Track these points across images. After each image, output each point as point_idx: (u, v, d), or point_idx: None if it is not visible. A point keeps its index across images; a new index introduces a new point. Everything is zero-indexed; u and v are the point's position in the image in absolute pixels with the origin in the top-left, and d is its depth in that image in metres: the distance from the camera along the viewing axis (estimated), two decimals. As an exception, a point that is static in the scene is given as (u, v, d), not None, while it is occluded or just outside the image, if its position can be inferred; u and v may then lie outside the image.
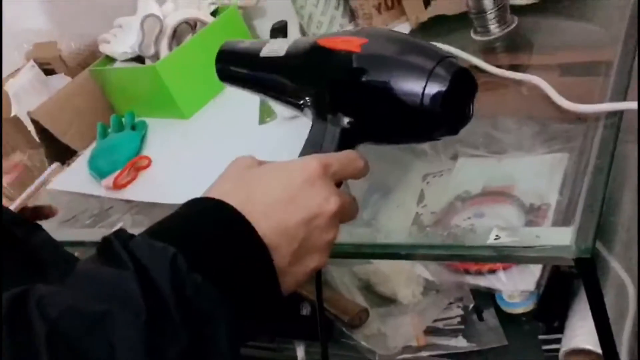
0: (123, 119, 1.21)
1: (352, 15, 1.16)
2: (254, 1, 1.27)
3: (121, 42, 1.24)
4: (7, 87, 1.40)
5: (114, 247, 0.38)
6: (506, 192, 0.73)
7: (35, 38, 1.61)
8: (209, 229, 0.41)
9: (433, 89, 0.46)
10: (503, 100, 0.85)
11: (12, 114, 1.33)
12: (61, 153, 1.29)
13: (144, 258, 0.37)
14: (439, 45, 0.91)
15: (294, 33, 1.22)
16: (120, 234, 0.39)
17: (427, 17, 1.03)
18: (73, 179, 1.17)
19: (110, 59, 1.31)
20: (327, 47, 0.53)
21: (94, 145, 1.21)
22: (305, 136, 0.76)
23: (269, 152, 0.90)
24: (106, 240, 0.39)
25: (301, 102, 0.55)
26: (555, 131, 0.73)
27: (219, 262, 0.39)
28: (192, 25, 1.24)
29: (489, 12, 0.89)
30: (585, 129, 0.69)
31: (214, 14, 1.25)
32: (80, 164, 1.19)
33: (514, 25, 0.92)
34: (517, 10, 0.94)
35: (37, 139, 1.32)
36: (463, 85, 0.48)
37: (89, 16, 1.52)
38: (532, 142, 0.75)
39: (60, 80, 1.42)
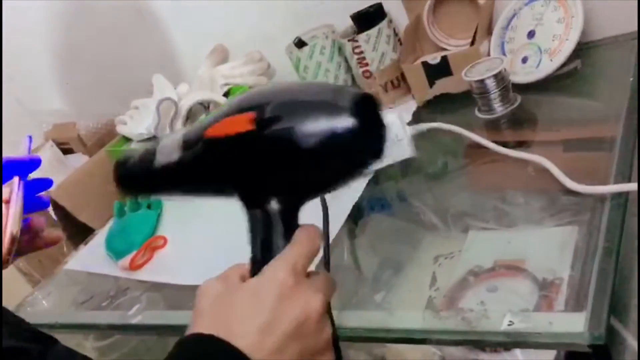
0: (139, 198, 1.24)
1: (359, 93, 1.19)
2: (265, 81, 1.31)
3: (137, 124, 1.29)
4: (27, 166, 1.44)
5: None
6: (518, 266, 0.73)
7: (54, 118, 1.66)
8: None
9: (345, 123, 0.43)
10: (510, 176, 0.87)
11: (31, 194, 1.36)
12: (79, 231, 1.31)
13: None
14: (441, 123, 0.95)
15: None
16: None
17: (432, 95, 1.07)
18: (90, 259, 1.19)
19: (127, 139, 1.35)
20: (218, 137, 0.48)
21: (110, 223, 1.23)
22: (318, 214, 0.78)
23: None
24: None
25: (222, 196, 0.52)
26: (563, 205, 0.74)
27: None
28: (205, 105, 1.28)
29: (492, 93, 0.92)
30: (593, 203, 0.70)
31: (226, 94, 1.30)
32: (97, 244, 1.21)
33: (517, 103, 0.95)
34: (520, 88, 0.97)
35: (54, 217, 1.35)
36: (369, 109, 0.45)
37: (107, 97, 1.58)
38: (540, 216, 0.76)
39: (78, 160, 1.47)
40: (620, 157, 0.74)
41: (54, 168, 1.46)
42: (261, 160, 0.46)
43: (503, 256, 0.75)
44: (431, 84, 1.06)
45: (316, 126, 0.44)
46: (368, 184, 0.95)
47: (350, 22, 1.18)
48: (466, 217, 0.82)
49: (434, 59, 1.05)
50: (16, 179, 0.69)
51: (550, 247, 0.71)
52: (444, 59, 1.03)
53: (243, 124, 0.46)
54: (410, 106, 1.11)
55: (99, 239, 1.22)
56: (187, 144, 0.50)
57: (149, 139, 1.30)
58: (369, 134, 0.45)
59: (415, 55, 1.13)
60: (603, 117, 0.86)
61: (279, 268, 0.45)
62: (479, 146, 0.90)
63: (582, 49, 0.99)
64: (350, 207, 0.91)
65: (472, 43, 1.04)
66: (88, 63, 1.62)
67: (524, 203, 0.80)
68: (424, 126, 0.97)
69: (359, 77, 1.15)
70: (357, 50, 1.12)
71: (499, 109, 0.94)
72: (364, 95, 0.45)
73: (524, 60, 0.99)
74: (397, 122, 0.90)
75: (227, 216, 1.09)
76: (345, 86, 0.45)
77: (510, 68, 0.99)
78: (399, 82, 1.13)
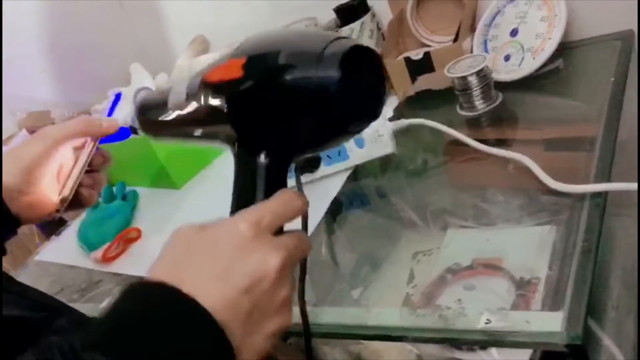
0: (114, 189, 1.21)
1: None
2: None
3: (114, 113, 1.26)
4: (-1, 154, 1.40)
5: None
6: (496, 265, 0.73)
7: (29, 106, 1.63)
8: (158, 330, 0.38)
9: (327, 73, 0.42)
10: (490, 174, 0.86)
11: (3, 183, 1.33)
12: (51, 222, 1.28)
13: None
14: (425, 119, 0.95)
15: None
16: (64, 348, 0.36)
17: (413, 91, 1.06)
18: (62, 250, 1.17)
19: (103, 129, 1.32)
20: (214, 82, 0.48)
21: (83, 215, 1.21)
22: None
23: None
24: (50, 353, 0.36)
25: (222, 143, 0.51)
26: (542, 204, 0.74)
27: None
28: (184, 96, 1.26)
29: (474, 90, 0.92)
30: (572, 202, 0.70)
31: (206, 85, 1.28)
32: (69, 235, 1.19)
33: (498, 101, 0.94)
34: (502, 86, 0.97)
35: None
36: (364, 63, 0.45)
37: (83, 86, 1.55)
38: (519, 214, 0.75)
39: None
40: (601, 156, 0.73)
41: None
42: (248, 107, 0.46)
43: (481, 254, 0.74)
44: (413, 79, 1.05)
45: (301, 76, 0.43)
46: (347, 179, 0.95)
47: (333, 15, 1.16)
48: (445, 215, 0.81)
49: (416, 54, 1.04)
50: (90, 142, 0.68)
51: (528, 246, 0.71)
52: (427, 55, 1.03)
53: (234, 69, 0.46)
54: (391, 102, 1.10)
55: (71, 230, 1.20)
56: (192, 89, 0.51)
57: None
58: (355, 89, 0.43)
59: (397, 51, 1.12)
60: (584, 117, 0.86)
61: (241, 219, 0.43)
62: (460, 143, 0.90)
63: (564, 49, 0.99)
64: (329, 202, 0.90)
65: (455, 40, 1.03)
66: (65, 51, 1.60)
67: (503, 201, 0.80)
68: (405, 122, 0.97)
69: (341, 71, 1.14)
70: (339, 44, 1.11)
71: (480, 106, 0.94)
72: (358, 47, 0.43)
73: (507, 58, 0.99)
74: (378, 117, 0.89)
75: (202, 210, 1.08)
76: (344, 37, 0.45)
77: (493, 66, 0.99)
78: (381, 78, 1.12)
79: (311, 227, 0.78)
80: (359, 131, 0.47)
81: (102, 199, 1.20)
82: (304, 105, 0.44)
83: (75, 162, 0.67)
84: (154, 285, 0.40)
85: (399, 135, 0.93)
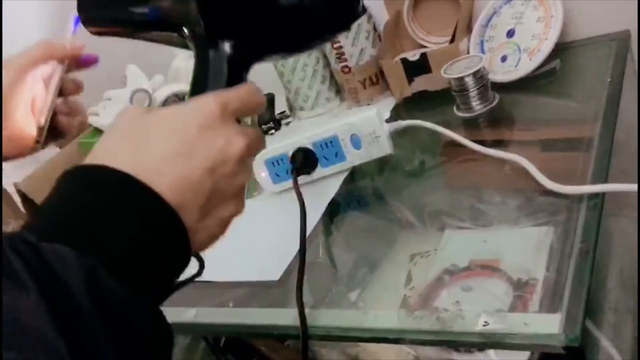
0: (110, 191, 1.21)
1: (337, 89, 1.19)
2: (242, 74, 1.29)
3: (110, 115, 1.26)
4: (-5, 157, 1.40)
5: (13, 264, 0.32)
6: (493, 266, 0.73)
7: (24, 108, 1.62)
8: (112, 215, 0.36)
9: None
10: (487, 175, 0.86)
11: (-1, 186, 1.32)
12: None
13: (53, 276, 0.32)
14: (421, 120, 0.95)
15: (281, 106, 1.24)
16: (17, 244, 0.33)
17: (410, 92, 1.06)
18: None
19: (99, 131, 1.32)
20: None
21: (80, 217, 1.20)
22: (294, 210, 0.77)
23: (257, 227, 0.91)
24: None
25: (179, 35, 0.49)
26: (539, 205, 0.74)
27: (133, 258, 0.36)
28: (180, 97, 1.26)
29: (471, 91, 0.92)
30: (569, 203, 0.70)
31: (202, 87, 1.27)
32: (65, 237, 1.18)
33: (495, 102, 0.94)
34: (498, 87, 0.97)
35: (22, 210, 1.31)
36: None
37: (79, 88, 1.54)
38: (516, 215, 0.75)
39: (49, 151, 1.43)
40: (597, 157, 0.74)
41: (23, 159, 1.42)
42: None
43: (479, 255, 0.74)
44: (410, 81, 1.05)
45: None
46: (344, 181, 0.94)
47: (329, 17, 1.16)
48: (443, 216, 0.81)
49: (413, 55, 1.04)
50: (57, 66, 0.66)
51: (525, 247, 0.71)
52: (423, 56, 1.03)
53: None
54: (388, 103, 1.10)
55: (67, 233, 1.19)
56: None
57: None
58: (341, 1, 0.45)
59: (394, 52, 1.12)
60: (580, 118, 0.86)
61: (210, 98, 0.42)
62: (457, 144, 0.89)
63: (561, 49, 0.99)
64: (326, 203, 0.90)
65: (452, 40, 1.03)
66: (60, 52, 1.59)
67: (500, 202, 0.80)
68: (402, 123, 0.97)
69: (338, 72, 1.14)
70: (336, 46, 1.10)
71: (477, 107, 0.94)
72: None
73: (503, 59, 0.99)
74: (375, 118, 0.89)
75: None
76: None
77: (490, 67, 0.99)
78: (378, 79, 1.12)
79: (309, 229, 0.78)
80: (328, 40, 0.48)
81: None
82: (283, 6, 0.44)
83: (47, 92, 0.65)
84: (100, 170, 0.38)
85: (396, 136, 0.93)
